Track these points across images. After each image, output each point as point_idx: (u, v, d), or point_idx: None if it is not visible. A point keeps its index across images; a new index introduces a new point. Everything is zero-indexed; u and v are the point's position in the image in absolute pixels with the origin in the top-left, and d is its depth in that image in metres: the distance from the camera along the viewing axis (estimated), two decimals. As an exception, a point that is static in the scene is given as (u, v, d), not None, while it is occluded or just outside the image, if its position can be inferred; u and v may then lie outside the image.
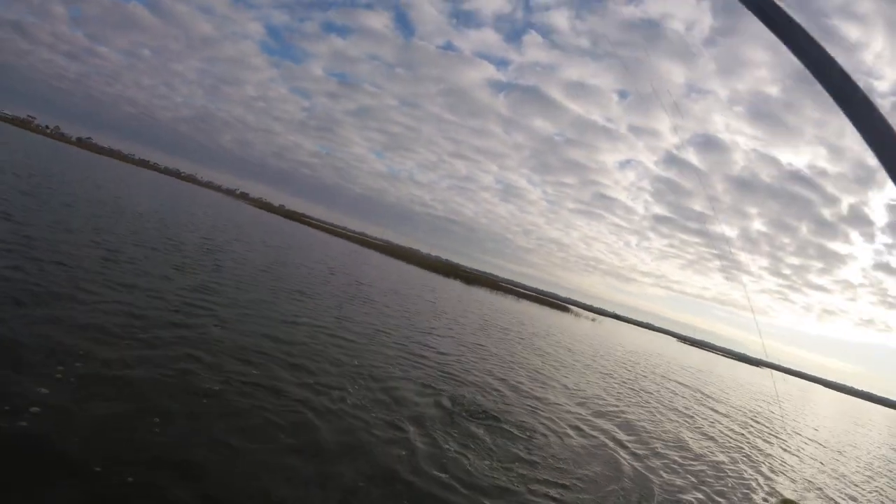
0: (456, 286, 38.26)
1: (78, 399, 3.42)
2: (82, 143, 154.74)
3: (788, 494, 6.36)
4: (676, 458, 6.79)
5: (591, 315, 78.94)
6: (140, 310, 5.80)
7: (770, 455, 9.17)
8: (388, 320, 11.02)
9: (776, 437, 11.62)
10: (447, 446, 4.58)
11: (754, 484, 6.69)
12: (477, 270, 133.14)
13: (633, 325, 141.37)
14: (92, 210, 13.49)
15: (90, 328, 4.75)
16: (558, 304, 72.01)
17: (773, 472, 7.79)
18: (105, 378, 3.87)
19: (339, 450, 3.91)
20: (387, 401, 5.37)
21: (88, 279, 6.41)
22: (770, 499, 5.96)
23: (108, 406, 3.47)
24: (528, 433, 5.74)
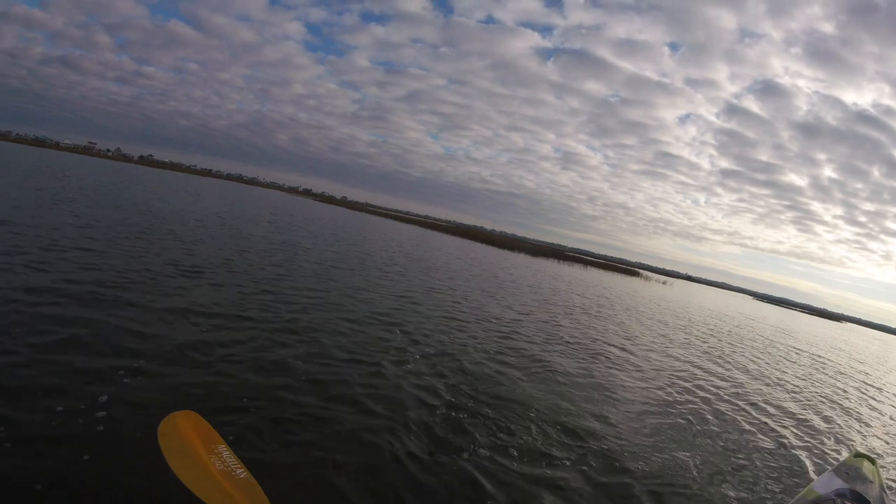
0: (522, 259, 37.73)
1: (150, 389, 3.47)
2: (144, 160, 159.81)
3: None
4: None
5: (661, 278, 75.04)
6: (237, 301, 6.22)
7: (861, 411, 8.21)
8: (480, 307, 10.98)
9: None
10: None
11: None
12: (543, 242, 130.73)
13: (707, 286, 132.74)
14: (170, 220, 14.47)
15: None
16: (626, 268, 69.36)
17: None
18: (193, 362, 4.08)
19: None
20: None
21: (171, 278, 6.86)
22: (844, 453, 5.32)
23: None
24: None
